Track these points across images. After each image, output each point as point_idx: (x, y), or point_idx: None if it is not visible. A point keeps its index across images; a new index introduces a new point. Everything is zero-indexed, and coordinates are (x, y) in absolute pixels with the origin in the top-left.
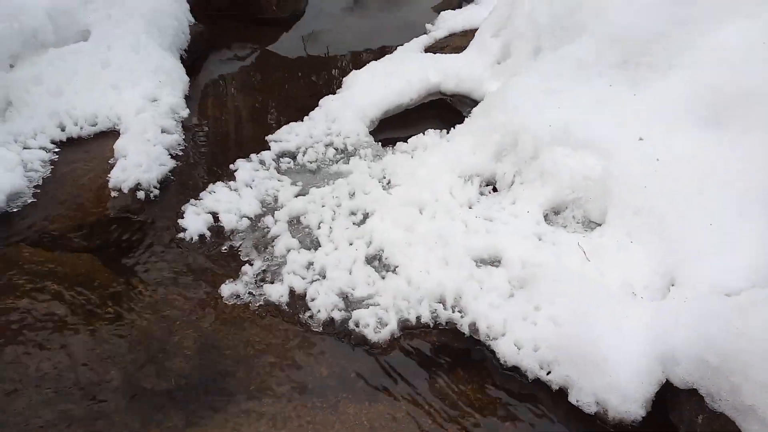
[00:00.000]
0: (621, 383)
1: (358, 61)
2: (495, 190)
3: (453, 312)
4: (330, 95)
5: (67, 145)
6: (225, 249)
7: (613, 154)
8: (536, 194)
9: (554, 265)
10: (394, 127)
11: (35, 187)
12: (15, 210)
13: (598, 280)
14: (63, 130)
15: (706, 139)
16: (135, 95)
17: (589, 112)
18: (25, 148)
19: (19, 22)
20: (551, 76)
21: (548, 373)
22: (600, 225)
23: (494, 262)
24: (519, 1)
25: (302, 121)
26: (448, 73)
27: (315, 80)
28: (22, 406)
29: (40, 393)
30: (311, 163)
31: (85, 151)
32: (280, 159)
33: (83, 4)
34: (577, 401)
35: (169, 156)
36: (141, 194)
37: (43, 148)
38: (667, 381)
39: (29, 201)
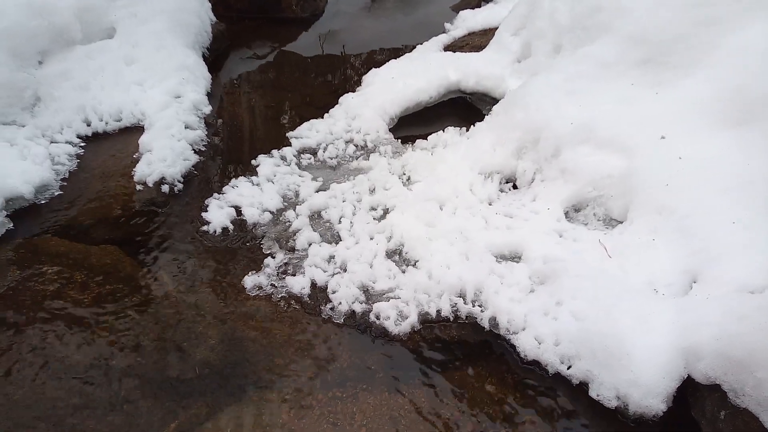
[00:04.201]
0: (643, 378)
1: (377, 59)
2: (515, 187)
3: (473, 306)
4: (349, 93)
5: (93, 140)
6: (247, 242)
7: (635, 152)
8: (557, 191)
9: (576, 262)
10: (414, 124)
11: (62, 180)
12: (43, 202)
13: (619, 276)
14: (89, 125)
15: (730, 139)
16: (159, 92)
17: (610, 111)
18: (52, 142)
19: (49, 20)
20: (572, 75)
21: (569, 367)
22: (621, 223)
23: (515, 257)
24: (539, 1)
25: (322, 118)
26: (467, 71)
27: (334, 78)
28: (50, 391)
29: (67, 379)
30: (332, 159)
31: (111, 145)
32: (301, 155)
33: (109, 2)
34: (598, 396)
35: (193, 151)
36: (165, 188)
37: (70, 143)
38: (689, 376)
39: (56, 193)
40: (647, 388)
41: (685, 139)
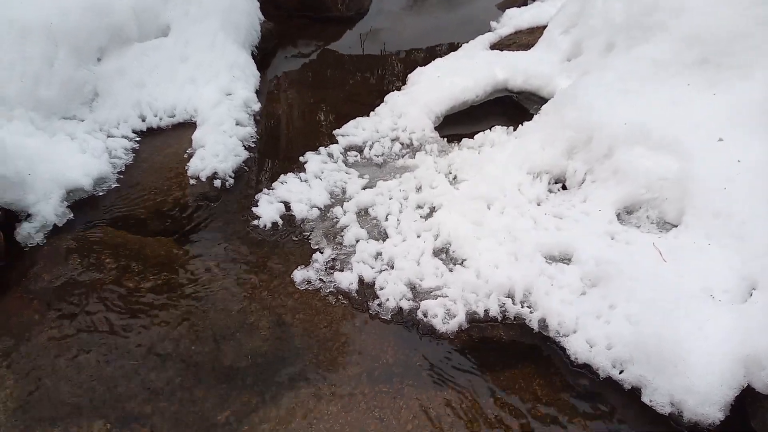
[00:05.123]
0: (699, 385)
1: (422, 58)
2: (564, 187)
3: (522, 307)
4: (395, 91)
5: (148, 135)
6: (296, 237)
7: (691, 154)
8: (609, 193)
9: (629, 265)
10: (460, 123)
11: (119, 173)
12: (101, 194)
13: (675, 281)
14: (144, 120)
15: None
16: (212, 89)
17: (665, 112)
18: (109, 136)
19: (108, 19)
20: (626, 75)
21: (621, 371)
22: (676, 226)
23: (565, 259)
24: None
25: (368, 116)
26: (515, 69)
27: (379, 77)
28: (108, 377)
29: (124, 366)
30: (378, 156)
31: (164, 140)
32: (348, 152)
33: (164, 2)
34: (651, 401)
35: (243, 147)
36: (218, 182)
37: (126, 137)
38: (749, 385)
39: (113, 186)
40: (704, 395)
41: (744, 142)
